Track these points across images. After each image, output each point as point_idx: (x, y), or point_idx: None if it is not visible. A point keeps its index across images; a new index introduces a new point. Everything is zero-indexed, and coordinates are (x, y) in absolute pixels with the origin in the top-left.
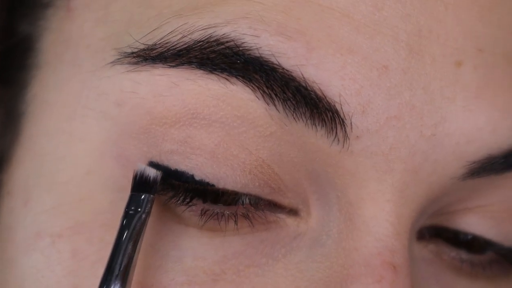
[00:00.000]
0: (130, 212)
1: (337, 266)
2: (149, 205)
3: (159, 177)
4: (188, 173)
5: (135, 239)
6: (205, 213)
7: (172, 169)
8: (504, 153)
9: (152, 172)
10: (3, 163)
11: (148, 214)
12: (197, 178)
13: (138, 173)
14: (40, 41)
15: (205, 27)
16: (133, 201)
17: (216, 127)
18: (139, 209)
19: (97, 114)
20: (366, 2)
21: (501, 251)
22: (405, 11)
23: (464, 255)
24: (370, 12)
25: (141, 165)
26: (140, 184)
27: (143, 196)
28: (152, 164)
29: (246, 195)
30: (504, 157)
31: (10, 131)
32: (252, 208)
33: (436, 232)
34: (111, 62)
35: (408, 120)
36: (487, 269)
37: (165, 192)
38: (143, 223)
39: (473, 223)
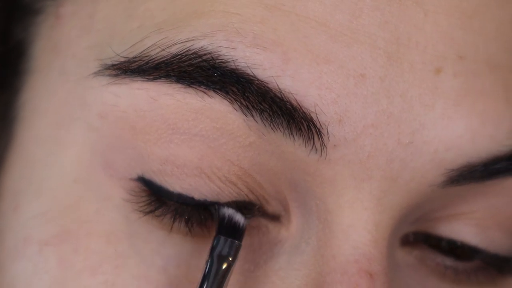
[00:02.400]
0: (221, 255)
1: (315, 274)
2: (237, 254)
3: (246, 225)
4: (185, 195)
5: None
6: (189, 220)
7: (166, 189)
8: (483, 161)
9: (241, 219)
10: None
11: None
12: (194, 197)
13: (227, 216)
14: (32, 47)
15: (183, 41)
16: (223, 245)
17: (197, 141)
18: (230, 257)
19: (82, 124)
20: (343, 10)
21: (486, 259)
22: (383, 18)
23: (448, 261)
24: (347, 20)
25: (231, 210)
26: (228, 228)
27: (236, 243)
28: (143, 180)
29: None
30: (484, 165)
31: (4, 135)
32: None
33: (422, 238)
34: (94, 73)
35: (386, 128)
36: (471, 275)
37: (152, 204)
38: (230, 272)
39: (457, 230)
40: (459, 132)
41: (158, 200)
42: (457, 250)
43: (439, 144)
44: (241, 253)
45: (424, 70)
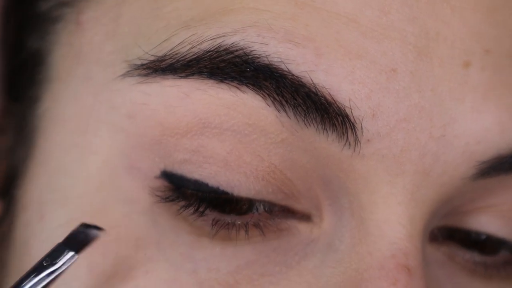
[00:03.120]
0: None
1: (351, 271)
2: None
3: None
4: (201, 182)
5: None
6: (216, 222)
7: (186, 178)
8: None
9: (93, 233)
10: (17, 178)
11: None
12: (211, 186)
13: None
14: (51, 56)
15: (213, 37)
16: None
17: (228, 135)
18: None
19: (109, 127)
20: (372, 6)
21: None
22: (412, 14)
23: (477, 257)
24: (377, 16)
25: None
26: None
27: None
28: (165, 174)
29: (260, 201)
30: None
31: (22, 146)
32: (267, 214)
33: (448, 233)
34: (122, 75)
35: (418, 122)
36: (501, 270)
37: (177, 202)
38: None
39: (485, 223)
40: (488, 125)
41: (183, 195)
42: (485, 244)
43: (470, 137)
44: (271, 255)
45: (453, 64)
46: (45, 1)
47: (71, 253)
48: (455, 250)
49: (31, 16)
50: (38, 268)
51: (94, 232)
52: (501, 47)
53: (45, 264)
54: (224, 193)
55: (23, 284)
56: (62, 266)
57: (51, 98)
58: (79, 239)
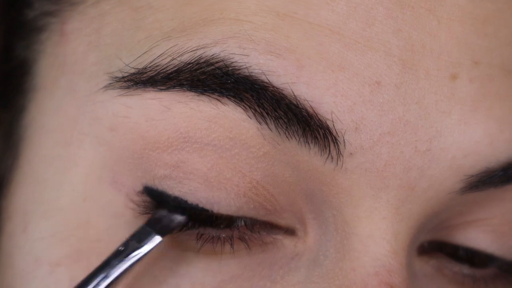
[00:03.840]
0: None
1: (335, 287)
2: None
3: (181, 224)
4: (181, 198)
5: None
6: (201, 237)
7: (166, 193)
8: (502, 166)
9: (178, 218)
10: (4, 188)
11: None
12: (190, 203)
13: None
14: (36, 65)
15: (194, 49)
16: (142, 235)
17: (209, 150)
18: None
19: (92, 139)
20: (356, 18)
21: (503, 266)
22: (396, 26)
23: (466, 269)
24: (361, 28)
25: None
26: (157, 223)
27: (156, 237)
28: (147, 189)
29: (241, 218)
30: (502, 170)
31: (10, 155)
32: (248, 230)
33: (437, 246)
34: (104, 87)
35: (402, 135)
36: (489, 283)
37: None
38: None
39: (474, 238)
40: (476, 138)
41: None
42: (474, 257)
43: (457, 151)
44: (256, 269)
45: (439, 76)
46: (31, 10)
47: (158, 238)
48: (444, 262)
49: (19, 24)
50: (123, 252)
51: (179, 218)
52: (491, 59)
53: (121, 249)
54: (204, 210)
55: (110, 266)
56: (146, 250)
57: (36, 108)
58: (163, 223)
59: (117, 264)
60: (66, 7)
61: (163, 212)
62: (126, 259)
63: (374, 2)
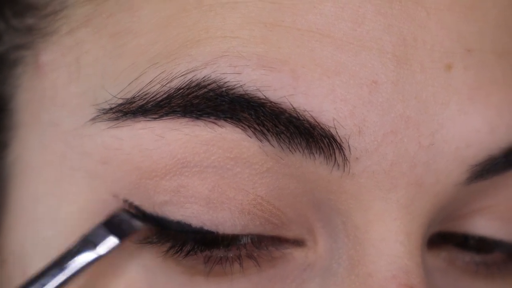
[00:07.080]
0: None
1: None
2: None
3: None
4: (184, 222)
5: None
6: (209, 259)
7: (167, 219)
8: (504, 152)
9: (137, 224)
10: None
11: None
12: (194, 226)
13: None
14: (14, 101)
15: (183, 73)
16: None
17: (209, 172)
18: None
19: (83, 174)
20: (345, 18)
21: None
22: (386, 21)
23: (477, 257)
24: (351, 28)
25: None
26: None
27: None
28: (146, 217)
29: (248, 235)
30: (505, 156)
31: None
32: (255, 248)
33: (446, 237)
34: (91, 120)
35: (405, 133)
36: (502, 268)
37: (163, 243)
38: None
39: (481, 225)
40: (477, 126)
41: (167, 236)
42: (483, 245)
43: (460, 142)
44: (267, 286)
45: (434, 68)
46: (0, 44)
47: (114, 240)
48: (454, 253)
49: None
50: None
51: (138, 223)
52: (484, 44)
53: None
54: (209, 232)
55: (63, 261)
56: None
57: (20, 145)
58: (122, 227)
59: (67, 266)
60: (38, 38)
61: (123, 215)
62: (77, 260)
63: (362, 0)
